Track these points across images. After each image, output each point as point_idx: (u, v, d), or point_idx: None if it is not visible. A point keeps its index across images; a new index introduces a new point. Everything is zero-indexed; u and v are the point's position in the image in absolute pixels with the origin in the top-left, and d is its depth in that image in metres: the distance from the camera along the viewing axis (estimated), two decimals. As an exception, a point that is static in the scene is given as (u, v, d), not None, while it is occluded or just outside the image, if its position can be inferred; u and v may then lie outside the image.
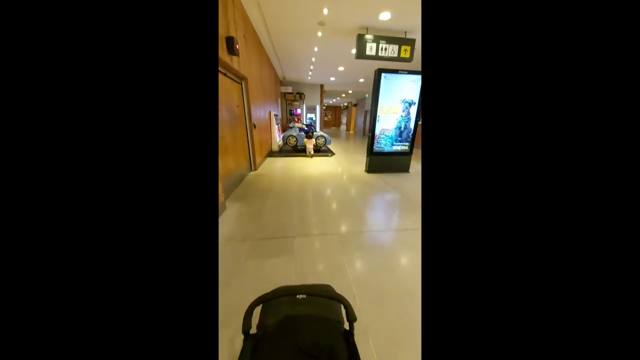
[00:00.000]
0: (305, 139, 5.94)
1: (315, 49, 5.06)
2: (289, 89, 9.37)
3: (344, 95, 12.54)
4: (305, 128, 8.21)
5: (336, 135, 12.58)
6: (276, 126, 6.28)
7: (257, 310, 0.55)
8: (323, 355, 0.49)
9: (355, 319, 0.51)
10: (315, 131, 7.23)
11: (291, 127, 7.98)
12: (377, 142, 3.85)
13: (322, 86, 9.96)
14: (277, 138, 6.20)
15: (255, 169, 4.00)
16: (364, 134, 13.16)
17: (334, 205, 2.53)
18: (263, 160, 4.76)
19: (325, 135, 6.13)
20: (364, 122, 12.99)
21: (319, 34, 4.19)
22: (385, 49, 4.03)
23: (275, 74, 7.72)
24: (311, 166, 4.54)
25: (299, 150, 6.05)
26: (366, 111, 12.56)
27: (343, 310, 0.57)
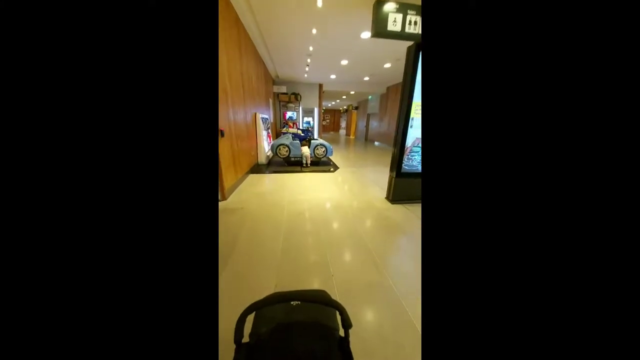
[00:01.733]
0: (303, 146, 4.67)
1: (314, 30, 3.82)
2: (283, 89, 8.12)
3: (344, 97, 11.36)
4: (301, 134, 6.94)
5: (335, 141, 11.34)
6: (264, 132, 5.00)
7: (250, 319, 0.52)
8: None
9: (350, 326, 0.49)
10: (314, 138, 5.95)
11: (284, 134, 6.70)
12: (409, 158, 2.57)
13: (320, 86, 8.74)
14: (266, 148, 4.92)
15: (224, 198, 2.69)
16: (366, 140, 11.95)
17: (353, 300, 1.23)
18: (241, 181, 3.46)
19: (325, 144, 4.86)
20: (367, 126, 11.80)
21: (319, 3, 2.96)
22: (416, 23, 2.80)
23: (266, 70, 6.49)
24: (308, 189, 3.25)
25: (292, 163, 4.76)
26: (369, 114, 11.38)
27: (338, 317, 0.54)
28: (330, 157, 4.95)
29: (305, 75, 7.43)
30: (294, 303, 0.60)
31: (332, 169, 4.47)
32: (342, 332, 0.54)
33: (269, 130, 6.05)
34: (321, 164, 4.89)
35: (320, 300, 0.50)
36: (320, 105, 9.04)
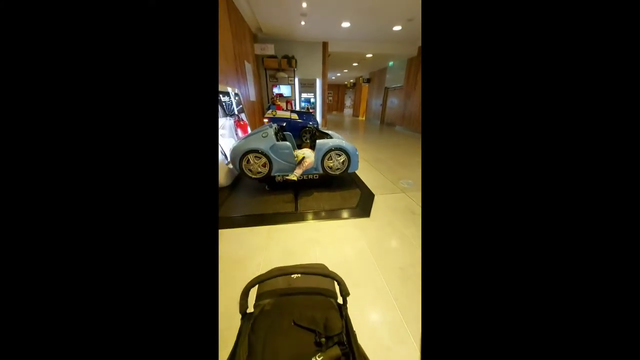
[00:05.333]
0: (299, 153, 2.22)
1: None
2: (269, 49, 5.43)
3: (355, 64, 8.53)
4: (298, 120, 4.44)
5: (341, 125, 8.77)
6: (225, 121, 2.56)
7: (254, 292, 0.55)
8: (318, 328, 0.50)
9: (348, 294, 0.53)
10: (318, 128, 3.44)
11: (270, 120, 4.18)
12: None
13: (325, 45, 6.00)
14: (225, 156, 2.52)
15: None
16: (382, 123, 9.35)
17: None
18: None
19: (345, 145, 2.32)
20: (383, 105, 9.12)
21: None
22: None
23: (236, 15, 3.83)
24: None
25: (278, 185, 2.37)
26: (387, 89, 8.65)
27: (336, 286, 0.57)
28: (355, 171, 2.50)
29: (302, 24, 4.71)
30: (294, 276, 0.62)
31: (361, 205, 2.11)
32: (340, 300, 0.57)
33: (241, 116, 3.57)
34: (334, 184, 2.52)
35: (319, 272, 0.54)
36: (324, 75, 6.35)
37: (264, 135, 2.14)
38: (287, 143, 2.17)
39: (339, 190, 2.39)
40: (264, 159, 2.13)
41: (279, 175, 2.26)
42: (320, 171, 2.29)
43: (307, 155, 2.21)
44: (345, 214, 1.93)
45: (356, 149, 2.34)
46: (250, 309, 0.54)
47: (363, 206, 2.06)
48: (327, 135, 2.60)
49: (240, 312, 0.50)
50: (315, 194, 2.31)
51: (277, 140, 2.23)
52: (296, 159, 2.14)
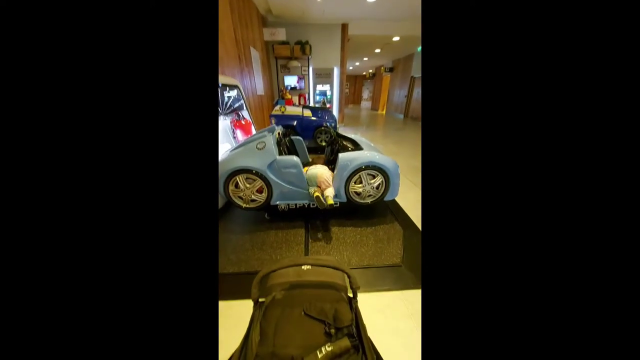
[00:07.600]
0: (313, 188, 1.49)
1: None
2: (280, 34, 4.68)
3: (378, 50, 7.52)
4: (312, 118, 3.68)
5: (357, 119, 7.88)
6: (224, 121, 1.89)
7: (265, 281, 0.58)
8: (328, 319, 0.51)
9: (358, 287, 0.53)
10: (335, 125, 2.67)
11: (276, 118, 3.46)
12: None
13: (344, 27, 5.13)
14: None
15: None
16: (405, 116, 8.33)
17: None
18: None
19: (383, 162, 1.52)
20: (408, 96, 8.06)
21: None
22: None
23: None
24: None
25: (280, 213, 1.68)
26: (414, 78, 7.59)
27: (346, 279, 0.59)
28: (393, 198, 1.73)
29: (319, 0, 3.90)
30: (305, 267, 0.65)
31: (408, 258, 1.36)
32: (350, 293, 0.58)
33: (242, 114, 2.90)
34: (362, 212, 1.77)
35: (329, 265, 0.55)
36: (343, 63, 5.49)
37: (259, 146, 1.43)
38: (294, 158, 1.45)
39: (369, 224, 1.65)
40: (259, 182, 1.44)
41: (285, 205, 1.56)
42: (343, 198, 1.56)
43: (321, 173, 1.48)
44: (384, 278, 1.20)
45: (397, 166, 1.57)
46: (262, 298, 0.57)
47: (412, 262, 1.31)
48: (350, 143, 1.85)
49: (253, 299, 0.53)
50: (335, 229, 1.59)
51: (281, 153, 1.53)
52: (312, 193, 1.42)
